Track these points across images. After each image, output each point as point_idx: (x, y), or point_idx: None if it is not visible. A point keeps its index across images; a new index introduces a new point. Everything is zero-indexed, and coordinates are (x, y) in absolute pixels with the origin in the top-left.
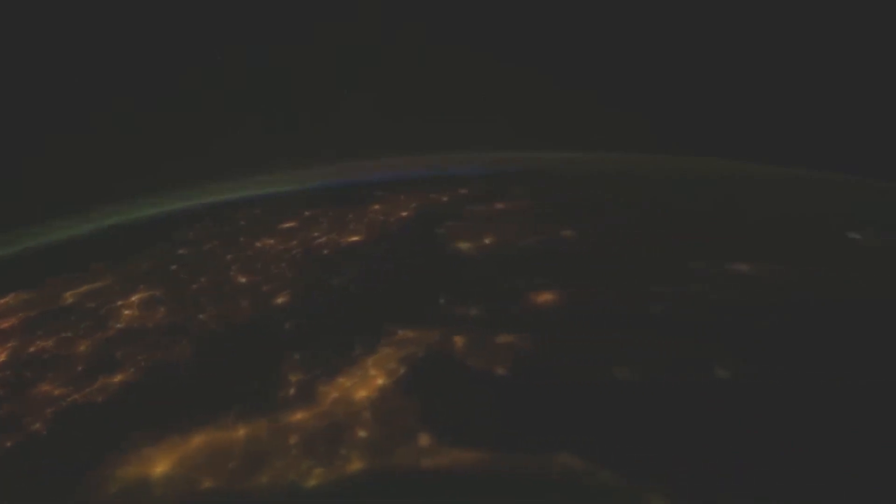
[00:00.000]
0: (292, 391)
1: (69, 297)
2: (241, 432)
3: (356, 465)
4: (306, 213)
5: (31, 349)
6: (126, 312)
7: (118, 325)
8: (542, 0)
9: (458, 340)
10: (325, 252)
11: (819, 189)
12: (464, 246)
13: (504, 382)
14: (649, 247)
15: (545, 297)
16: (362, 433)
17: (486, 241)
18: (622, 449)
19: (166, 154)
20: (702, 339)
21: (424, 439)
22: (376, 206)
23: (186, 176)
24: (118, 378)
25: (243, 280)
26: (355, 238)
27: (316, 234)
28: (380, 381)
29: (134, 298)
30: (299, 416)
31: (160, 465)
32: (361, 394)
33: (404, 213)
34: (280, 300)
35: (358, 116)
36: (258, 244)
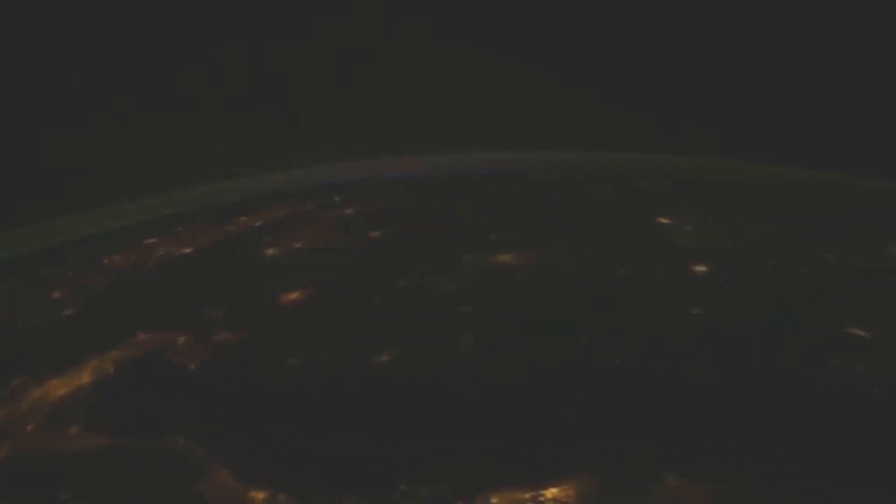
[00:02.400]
0: None
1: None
2: None
3: None
4: (179, 229)
5: None
6: None
7: None
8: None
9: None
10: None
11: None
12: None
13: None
14: (431, 244)
15: (293, 296)
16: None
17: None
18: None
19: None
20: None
21: None
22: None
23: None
24: None
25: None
26: (186, 249)
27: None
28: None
29: None
30: None
31: None
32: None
33: (258, 223)
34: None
35: (355, 116)
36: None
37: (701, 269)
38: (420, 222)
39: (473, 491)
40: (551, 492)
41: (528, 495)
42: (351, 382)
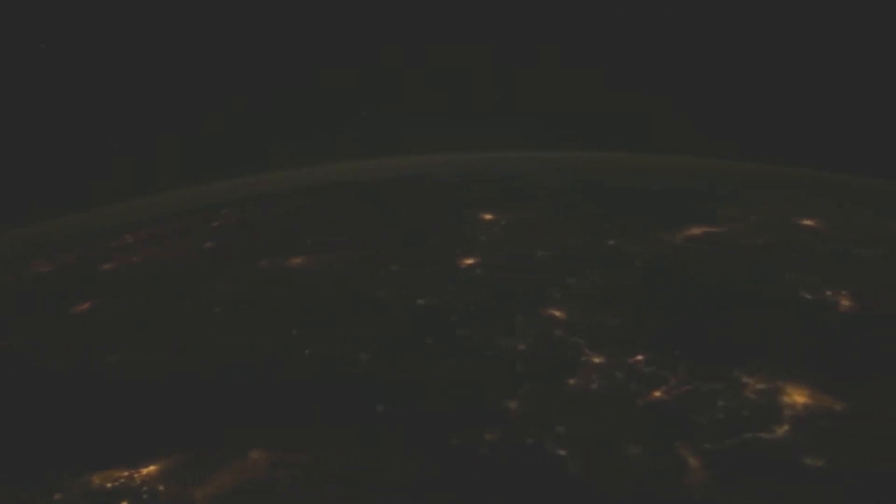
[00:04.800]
0: None
1: None
2: None
3: None
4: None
5: None
6: None
7: None
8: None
9: None
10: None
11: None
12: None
13: None
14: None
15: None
16: None
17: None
18: None
19: None
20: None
21: None
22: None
23: None
24: None
25: None
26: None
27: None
28: None
29: None
30: None
31: None
32: None
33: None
34: None
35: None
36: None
37: (469, 262)
38: (253, 232)
39: (79, 472)
40: (148, 469)
41: (126, 473)
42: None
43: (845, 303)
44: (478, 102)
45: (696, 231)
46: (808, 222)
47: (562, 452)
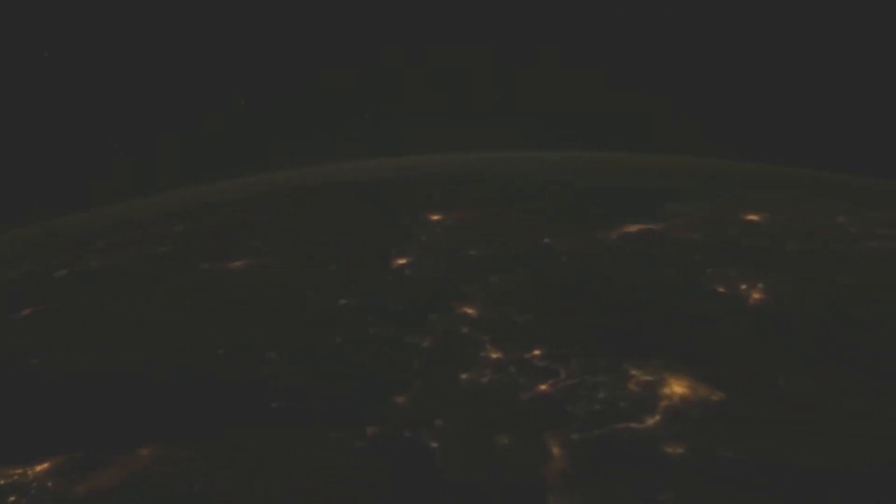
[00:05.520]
0: None
1: None
2: None
3: None
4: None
5: None
6: None
7: None
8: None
9: None
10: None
11: None
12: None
13: None
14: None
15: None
16: None
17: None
18: None
19: None
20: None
21: None
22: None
23: None
24: None
25: None
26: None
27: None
28: None
29: None
30: None
31: None
32: None
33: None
34: None
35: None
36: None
37: (401, 262)
38: (203, 236)
39: None
40: (42, 466)
41: (19, 471)
42: None
43: (756, 296)
44: (478, 102)
45: (633, 228)
46: (753, 217)
47: (434, 444)
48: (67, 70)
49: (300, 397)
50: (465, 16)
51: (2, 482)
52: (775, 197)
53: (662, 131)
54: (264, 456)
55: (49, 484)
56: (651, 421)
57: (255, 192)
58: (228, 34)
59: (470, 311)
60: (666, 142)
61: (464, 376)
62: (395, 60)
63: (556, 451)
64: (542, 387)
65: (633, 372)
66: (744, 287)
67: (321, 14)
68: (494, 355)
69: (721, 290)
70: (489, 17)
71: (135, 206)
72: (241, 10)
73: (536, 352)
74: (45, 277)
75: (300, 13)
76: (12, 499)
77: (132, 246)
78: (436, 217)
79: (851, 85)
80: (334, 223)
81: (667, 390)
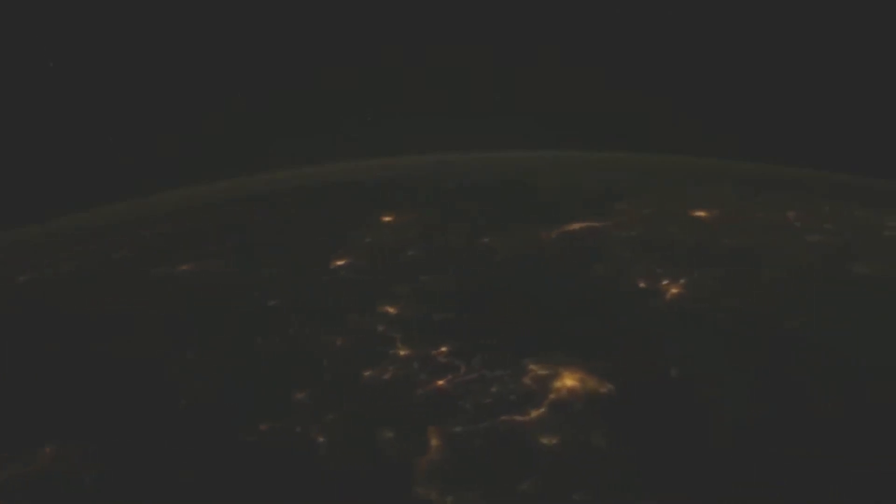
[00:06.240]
0: None
1: None
2: None
3: None
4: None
5: None
6: None
7: None
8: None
9: None
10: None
11: None
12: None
13: None
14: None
15: None
16: None
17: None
18: None
19: None
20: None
21: None
22: None
23: None
24: None
25: None
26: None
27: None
28: None
29: None
30: None
31: None
32: None
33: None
34: None
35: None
36: None
37: (339, 263)
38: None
39: None
40: None
41: None
42: None
43: (674, 291)
44: (478, 102)
45: (576, 227)
46: (699, 213)
47: (321, 439)
48: (67, 70)
49: (207, 396)
50: (465, 16)
51: None
52: (735, 193)
53: (662, 131)
54: (159, 453)
55: None
56: (535, 413)
57: (254, 192)
58: (229, 34)
59: (392, 310)
60: (666, 142)
61: (367, 373)
62: (395, 60)
63: (434, 443)
64: (440, 382)
65: (532, 367)
66: (665, 283)
67: (321, 14)
68: (403, 352)
69: (642, 285)
70: (489, 17)
71: (135, 206)
72: (241, 10)
73: (444, 349)
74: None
75: (300, 13)
76: None
77: (95, 251)
78: (387, 218)
79: (852, 85)
80: (288, 226)
81: (558, 384)
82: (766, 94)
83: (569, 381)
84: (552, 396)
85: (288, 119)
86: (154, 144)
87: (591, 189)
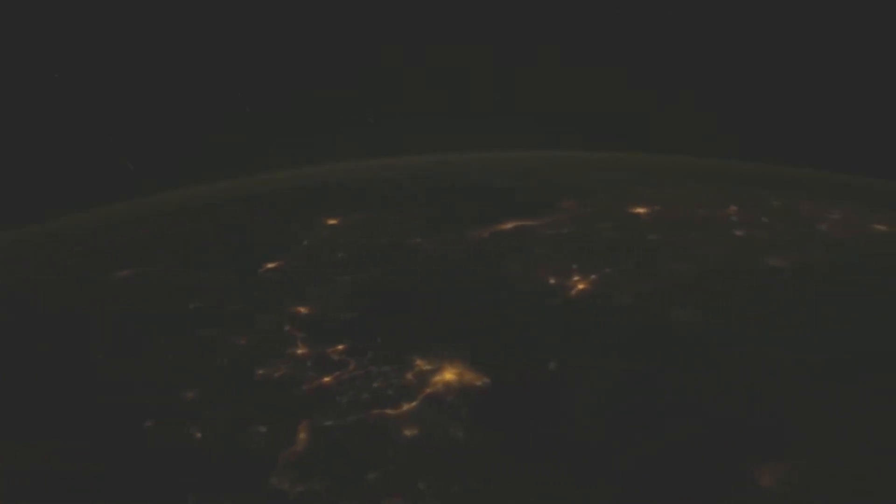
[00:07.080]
0: None
1: None
2: None
3: None
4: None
5: None
6: None
7: None
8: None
9: None
10: None
11: None
12: None
13: None
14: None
15: None
16: None
17: None
18: None
19: None
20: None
21: None
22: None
23: None
24: None
25: None
26: None
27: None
28: None
29: None
30: None
31: None
32: None
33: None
34: None
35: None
36: None
37: (270, 266)
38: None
39: None
40: None
41: None
42: None
43: (581, 287)
44: (478, 102)
45: (508, 226)
46: (639, 210)
47: (198, 435)
48: (66, 71)
49: (119, 394)
50: (465, 16)
51: None
52: (689, 189)
53: (662, 131)
54: (72, 450)
55: None
56: (406, 406)
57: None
58: (229, 34)
59: (303, 310)
60: (666, 142)
61: (260, 371)
62: (395, 60)
63: (302, 436)
64: (326, 379)
65: (418, 362)
66: (575, 279)
67: (321, 14)
68: (300, 351)
69: (552, 281)
70: (489, 17)
71: (135, 206)
72: (241, 10)
73: (340, 347)
74: None
75: (300, 13)
76: None
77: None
78: (331, 221)
79: (851, 85)
80: (232, 229)
81: (437, 378)
82: (767, 94)
83: (448, 375)
84: (428, 391)
85: (288, 119)
86: (154, 144)
87: (544, 187)
